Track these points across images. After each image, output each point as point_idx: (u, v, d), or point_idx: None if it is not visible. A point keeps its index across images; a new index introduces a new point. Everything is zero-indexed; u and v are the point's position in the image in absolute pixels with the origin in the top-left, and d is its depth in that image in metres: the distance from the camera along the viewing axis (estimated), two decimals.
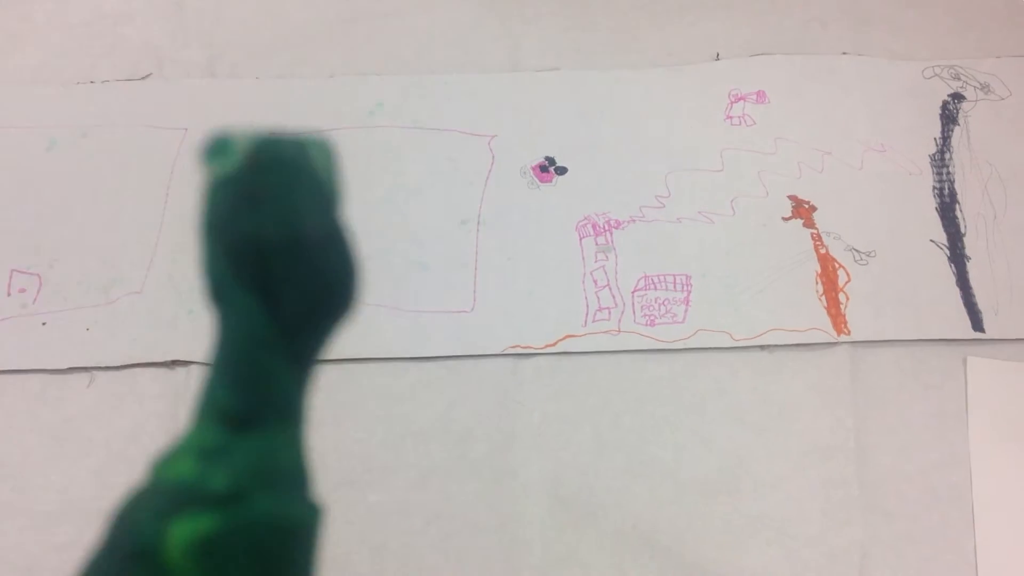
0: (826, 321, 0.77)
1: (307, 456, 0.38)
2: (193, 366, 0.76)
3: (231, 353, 0.36)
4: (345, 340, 0.79)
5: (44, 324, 0.78)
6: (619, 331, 0.77)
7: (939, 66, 0.87)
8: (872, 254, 0.79)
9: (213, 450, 0.35)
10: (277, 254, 0.35)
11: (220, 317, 0.36)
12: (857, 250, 0.80)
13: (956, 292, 0.78)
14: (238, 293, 0.35)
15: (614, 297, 0.78)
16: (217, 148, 0.35)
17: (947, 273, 0.79)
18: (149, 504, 0.34)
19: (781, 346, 0.76)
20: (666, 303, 0.78)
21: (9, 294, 0.79)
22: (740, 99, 0.86)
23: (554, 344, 0.76)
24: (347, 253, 0.38)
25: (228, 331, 0.36)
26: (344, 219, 0.37)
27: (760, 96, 0.86)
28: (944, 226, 0.81)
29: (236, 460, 0.35)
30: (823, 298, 0.78)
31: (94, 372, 0.76)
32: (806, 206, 0.81)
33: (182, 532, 0.32)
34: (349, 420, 0.75)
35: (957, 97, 0.86)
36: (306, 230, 0.35)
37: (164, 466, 0.35)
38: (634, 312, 0.77)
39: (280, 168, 0.35)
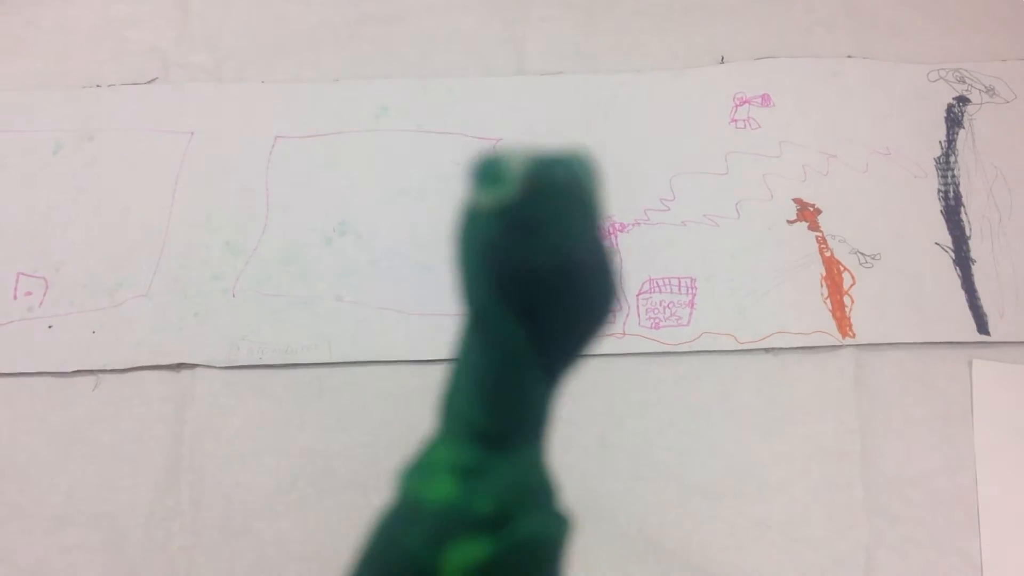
0: (831, 324, 0.77)
1: (551, 467, 0.37)
2: (199, 369, 0.76)
3: (489, 375, 0.36)
4: (350, 343, 0.79)
5: (50, 327, 0.78)
6: (624, 334, 0.77)
7: (944, 69, 0.87)
8: (877, 257, 0.79)
9: (472, 470, 0.35)
10: (547, 281, 0.34)
11: (479, 340, 0.36)
12: (862, 253, 0.80)
13: (961, 295, 0.78)
14: (503, 319, 0.35)
15: (619, 300, 0.78)
16: (489, 173, 0.34)
17: (952, 276, 0.79)
18: (419, 528, 0.34)
19: (786, 349, 0.76)
20: (671, 306, 0.78)
21: (15, 297, 0.79)
22: (745, 102, 0.86)
23: None
24: (608, 269, 0.37)
25: (487, 353, 0.36)
26: (604, 233, 0.37)
27: (765, 99, 0.86)
28: (949, 229, 0.81)
29: (496, 480, 0.35)
30: (828, 301, 0.78)
31: (100, 375, 0.77)
32: (811, 209, 0.81)
33: (458, 559, 0.32)
34: (355, 423, 0.75)
35: (962, 100, 0.86)
36: (576, 254, 0.35)
37: (420, 485, 0.35)
38: (639, 315, 0.77)
39: (554, 194, 0.34)
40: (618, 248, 0.80)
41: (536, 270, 0.34)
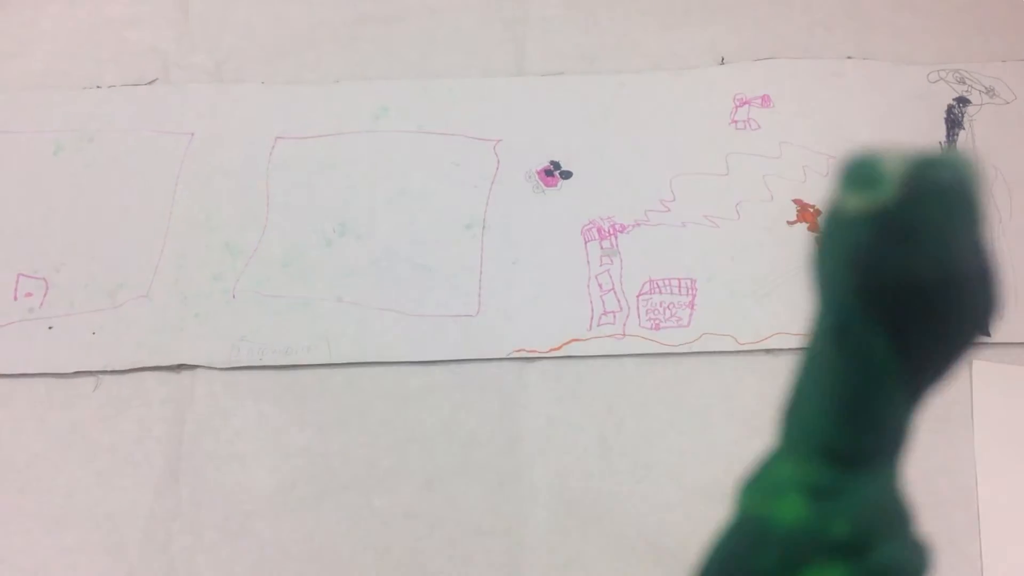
0: None
1: (907, 490, 0.35)
2: (199, 370, 0.76)
3: (846, 389, 0.33)
4: (350, 344, 0.79)
5: (50, 328, 0.78)
6: (624, 335, 0.77)
7: (944, 70, 0.87)
8: None
9: (824, 490, 0.32)
10: (922, 292, 0.31)
11: (836, 351, 0.33)
12: None
13: None
14: (867, 331, 0.31)
15: (619, 301, 0.78)
16: (863, 174, 0.30)
17: None
18: (769, 550, 0.32)
19: (786, 350, 0.76)
20: (671, 307, 0.78)
21: (15, 298, 0.79)
22: (745, 103, 0.86)
23: (559, 348, 0.76)
24: (991, 280, 0.33)
25: (845, 366, 0.32)
26: (987, 241, 0.33)
27: (765, 100, 0.86)
28: None
29: (852, 503, 0.32)
30: None
31: (100, 376, 0.77)
32: (811, 210, 0.81)
33: None
34: (354, 424, 0.75)
35: (962, 101, 0.86)
36: (957, 264, 0.31)
37: (766, 504, 0.34)
38: (639, 316, 0.78)
39: (938, 198, 0.30)
40: (618, 249, 0.80)
41: (910, 280, 0.30)
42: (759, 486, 0.35)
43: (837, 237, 0.31)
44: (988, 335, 0.34)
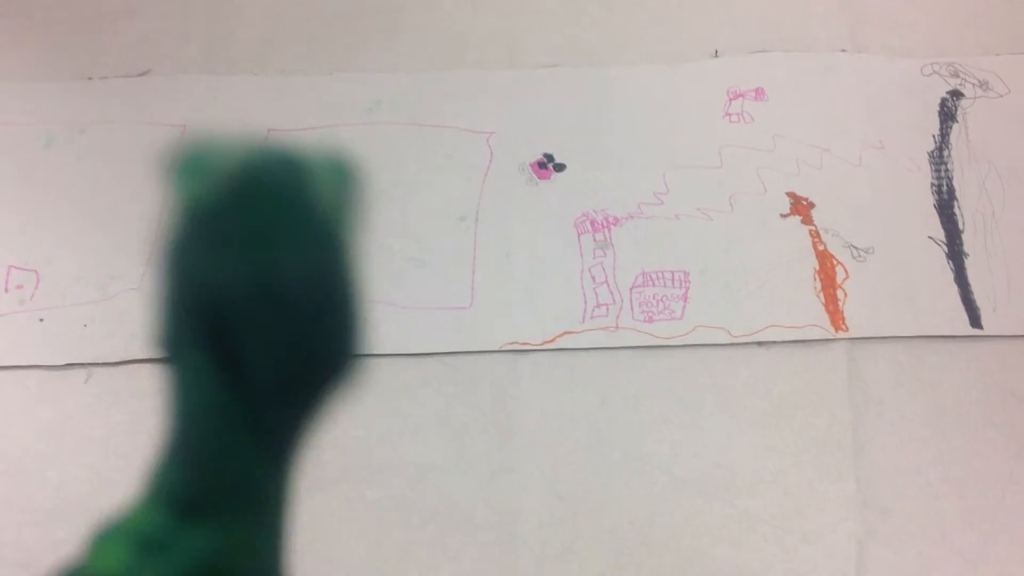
0: (824, 317, 0.77)
1: (282, 550, 0.31)
2: None
3: (183, 423, 0.29)
4: None
5: (41, 320, 0.77)
6: (617, 327, 0.77)
7: (938, 63, 0.87)
8: (870, 251, 0.79)
9: (154, 541, 0.29)
10: (247, 309, 0.27)
11: (173, 376, 0.29)
12: (855, 247, 0.80)
13: (954, 289, 0.78)
14: (193, 350, 0.28)
15: (612, 294, 0.78)
16: (190, 164, 0.27)
17: (945, 270, 0.79)
18: None
19: (779, 342, 0.76)
20: (664, 299, 0.78)
21: (7, 291, 0.79)
22: (739, 96, 0.86)
23: (552, 340, 0.76)
24: (343, 310, 0.29)
25: (180, 395, 0.29)
26: (351, 263, 0.30)
27: (759, 93, 0.86)
28: (942, 223, 0.81)
29: (179, 556, 0.29)
30: (821, 294, 0.78)
31: (91, 368, 0.76)
32: (804, 203, 0.81)
33: None
34: (347, 416, 0.75)
35: (956, 94, 0.86)
36: (289, 281, 0.28)
37: (100, 547, 0.30)
38: (632, 308, 0.77)
39: (267, 199, 0.27)
40: (612, 242, 0.80)
41: (230, 292, 0.27)
42: (108, 530, 0.31)
43: (167, 232, 0.27)
44: (348, 373, 0.30)
